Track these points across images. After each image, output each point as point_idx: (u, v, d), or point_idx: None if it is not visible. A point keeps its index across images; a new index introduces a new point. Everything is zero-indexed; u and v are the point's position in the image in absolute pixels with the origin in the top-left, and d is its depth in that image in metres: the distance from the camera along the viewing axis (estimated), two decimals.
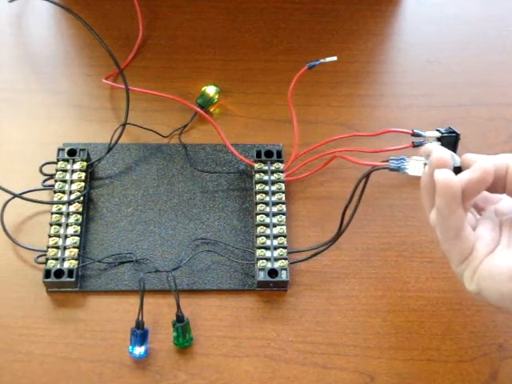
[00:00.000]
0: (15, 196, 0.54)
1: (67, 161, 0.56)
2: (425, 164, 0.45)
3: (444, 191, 0.42)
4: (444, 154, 0.43)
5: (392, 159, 0.46)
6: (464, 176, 0.42)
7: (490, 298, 0.43)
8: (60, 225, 0.53)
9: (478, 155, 0.44)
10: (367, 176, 0.48)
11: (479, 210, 0.47)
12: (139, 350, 0.49)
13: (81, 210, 0.54)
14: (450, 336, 0.51)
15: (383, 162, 0.47)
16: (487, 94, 0.64)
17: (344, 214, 0.51)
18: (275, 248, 0.53)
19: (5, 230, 0.54)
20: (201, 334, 0.51)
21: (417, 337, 0.51)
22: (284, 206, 0.55)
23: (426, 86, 0.64)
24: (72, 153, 0.57)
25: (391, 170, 0.46)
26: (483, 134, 0.61)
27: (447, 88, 0.64)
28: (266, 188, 0.56)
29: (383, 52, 0.67)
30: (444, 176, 0.42)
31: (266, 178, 0.57)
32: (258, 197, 0.56)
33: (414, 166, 0.45)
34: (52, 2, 0.56)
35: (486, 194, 0.46)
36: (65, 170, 0.56)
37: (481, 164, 0.42)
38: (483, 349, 0.51)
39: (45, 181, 0.56)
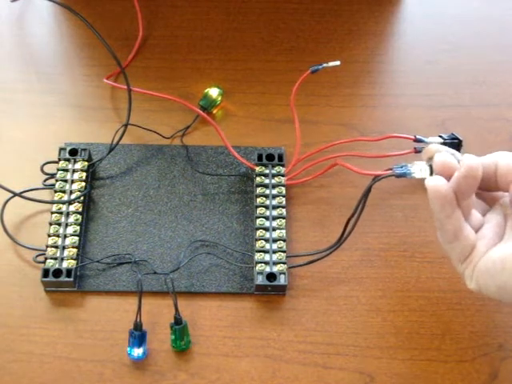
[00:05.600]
0: (15, 195, 0.54)
1: (68, 160, 0.56)
2: (430, 165, 0.45)
3: (434, 196, 0.43)
4: (447, 157, 0.44)
5: (395, 167, 0.47)
6: (453, 177, 0.43)
7: (489, 293, 0.44)
8: (60, 224, 0.53)
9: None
10: (371, 186, 0.49)
11: (490, 203, 0.47)
12: (137, 352, 0.49)
13: (81, 209, 0.54)
14: (450, 336, 0.51)
15: (386, 170, 0.48)
16: (487, 93, 0.64)
17: (347, 224, 0.51)
18: (274, 252, 0.53)
19: (4, 228, 0.54)
20: (201, 334, 0.51)
21: (417, 337, 0.51)
22: (284, 210, 0.55)
23: (426, 85, 0.64)
24: (74, 152, 0.57)
25: (397, 176, 0.47)
26: (483, 134, 0.61)
27: (447, 88, 0.64)
28: (267, 191, 0.56)
29: (383, 52, 0.67)
30: (433, 183, 0.43)
31: (266, 181, 0.56)
32: (259, 200, 0.55)
33: (420, 169, 0.46)
34: (54, 2, 0.56)
35: None
36: (66, 170, 0.56)
37: (464, 161, 0.43)
38: (483, 349, 0.51)
39: (45, 180, 0.56)
